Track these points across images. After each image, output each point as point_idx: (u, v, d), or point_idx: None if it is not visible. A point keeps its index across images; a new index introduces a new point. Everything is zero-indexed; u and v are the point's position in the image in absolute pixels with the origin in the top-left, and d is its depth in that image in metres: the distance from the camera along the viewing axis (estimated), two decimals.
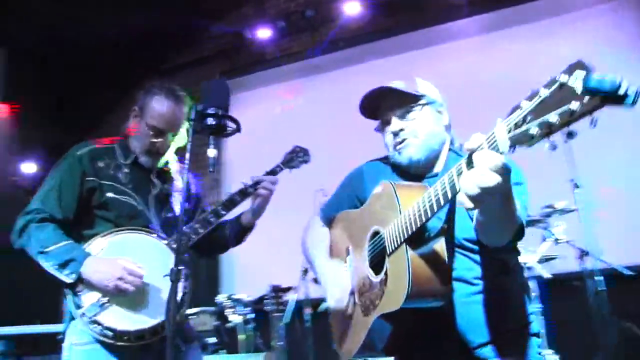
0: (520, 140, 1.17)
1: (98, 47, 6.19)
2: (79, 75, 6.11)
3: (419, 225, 1.51)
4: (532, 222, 3.89)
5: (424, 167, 1.84)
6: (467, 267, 1.71)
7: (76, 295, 2.17)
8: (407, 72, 5.22)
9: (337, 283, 1.88)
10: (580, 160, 4.10)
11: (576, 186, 4.06)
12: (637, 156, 4.95)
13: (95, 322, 2.12)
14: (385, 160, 1.99)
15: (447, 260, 1.58)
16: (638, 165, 4.92)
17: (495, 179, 1.25)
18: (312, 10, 6.48)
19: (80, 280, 2.14)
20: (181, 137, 2.46)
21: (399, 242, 1.58)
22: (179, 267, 1.72)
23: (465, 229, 1.69)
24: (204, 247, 2.53)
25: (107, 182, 2.34)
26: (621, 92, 1.01)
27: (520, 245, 3.76)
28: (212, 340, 4.69)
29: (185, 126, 2.43)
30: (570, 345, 3.79)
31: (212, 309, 4.90)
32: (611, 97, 1.02)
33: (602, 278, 3.88)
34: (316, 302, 4.12)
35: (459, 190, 1.32)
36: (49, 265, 2.17)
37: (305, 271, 4.31)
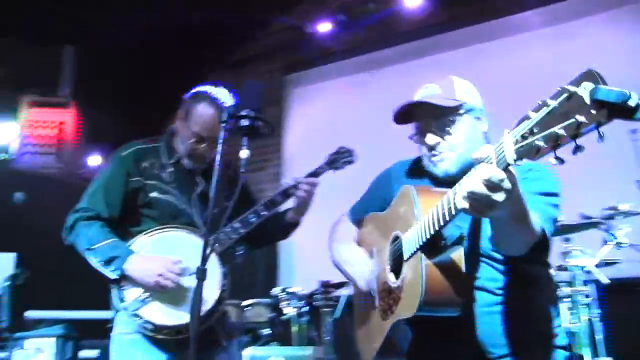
0: (527, 152, 1.14)
1: (163, 42, 6.39)
2: (144, 69, 6.33)
3: (432, 233, 1.49)
4: (591, 225, 3.74)
5: (458, 177, 1.78)
6: (490, 276, 1.68)
7: (120, 290, 2.30)
8: (469, 66, 5.16)
9: (365, 265, 1.90)
10: None
11: None
12: None
13: (136, 315, 2.25)
14: (418, 161, 1.93)
15: (464, 270, 1.55)
16: None
17: (482, 192, 1.22)
18: (372, 3, 6.43)
19: (123, 276, 2.26)
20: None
21: (415, 249, 1.58)
22: (204, 267, 1.77)
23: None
24: (252, 239, 2.61)
25: (151, 182, 2.44)
26: (632, 103, 0.97)
27: (576, 248, 3.67)
28: (266, 331, 4.79)
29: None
30: (629, 351, 3.61)
31: (268, 300, 5.00)
32: (619, 109, 0.98)
33: None
34: None
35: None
36: (95, 262, 2.30)
37: None
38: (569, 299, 3.64)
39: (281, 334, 4.86)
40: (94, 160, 6.07)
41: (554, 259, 3.63)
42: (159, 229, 2.38)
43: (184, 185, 2.49)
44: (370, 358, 1.81)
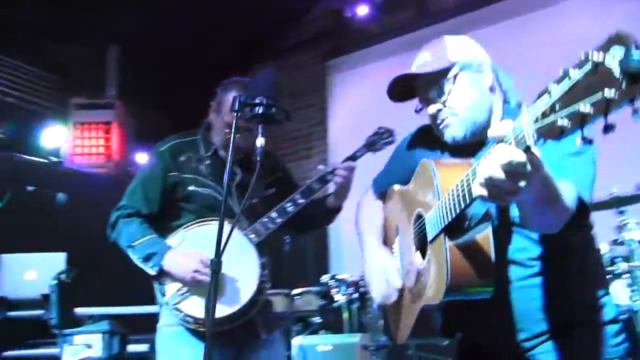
0: (549, 132, 1.00)
1: (205, 37, 6.45)
2: (188, 65, 6.42)
3: (454, 216, 1.39)
4: None
5: (473, 140, 1.65)
6: (521, 247, 1.56)
7: (161, 285, 2.35)
8: (508, 41, 4.98)
9: (384, 279, 1.82)
10: None
11: None
12: None
13: (177, 309, 2.29)
14: None
15: (492, 248, 1.44)
16: None
17: (501, 177, 1.11)
18: None
19: (162, 272, 2.30)
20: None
21: (437, 230, 1.48)
22: (220, 259, 1.75)
23: None
24: (295, 226, 2.62)
25: (188, 176, 2.46)
26: None
27: (633, 220, 3.47)
28: (317, 319, 4.80)
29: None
30: None
31: (317, 288, 5.00)
32: None
33: None
34: None
35: None
36: (135, 258, 2.35)
37: None
38: (628, 275, 3.47)
39: (332, 321, 4.86)
40: (142, 158, 6.21)
41: (608, 233, 3.50)
42: (198, 222, 2.40)
43: (221, 176, 2.49)
44: (405, 337, 1.75)
